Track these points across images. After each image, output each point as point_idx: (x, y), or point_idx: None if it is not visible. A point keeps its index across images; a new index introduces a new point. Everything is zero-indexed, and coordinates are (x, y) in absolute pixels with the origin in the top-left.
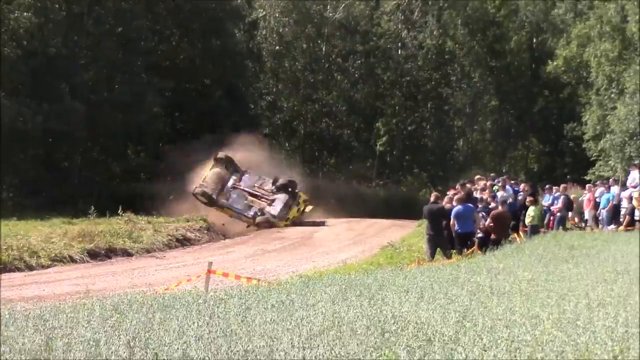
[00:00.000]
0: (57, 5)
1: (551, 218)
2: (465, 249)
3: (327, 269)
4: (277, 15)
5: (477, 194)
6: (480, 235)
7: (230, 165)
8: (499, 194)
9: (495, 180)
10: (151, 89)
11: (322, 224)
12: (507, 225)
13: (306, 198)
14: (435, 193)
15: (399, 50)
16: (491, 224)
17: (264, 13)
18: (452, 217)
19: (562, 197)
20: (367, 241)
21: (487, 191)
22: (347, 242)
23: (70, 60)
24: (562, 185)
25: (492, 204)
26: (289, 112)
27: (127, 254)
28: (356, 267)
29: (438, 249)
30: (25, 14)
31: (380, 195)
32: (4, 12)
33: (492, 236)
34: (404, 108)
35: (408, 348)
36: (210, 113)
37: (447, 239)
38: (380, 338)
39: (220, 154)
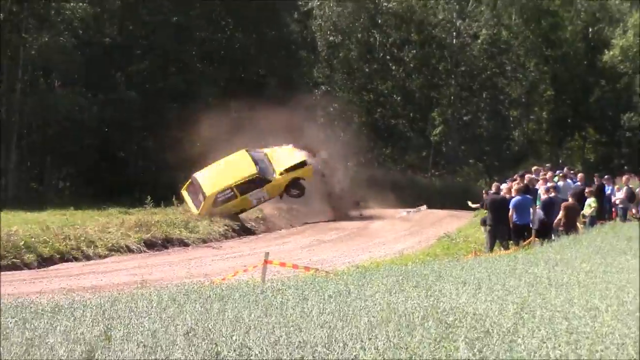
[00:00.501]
0: None
1: (613, 209)
2: (522, 240)
3: (383, 260)
4: (331, 4)
5: (537, 185)
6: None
7: None
8: (560, 184)
9: (557, 172)
10: (206, 79)
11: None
12: (576, 217)
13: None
14: (496, 183)
15: (454, 40)
16: (562, 216)
17: (319, 2)
18: (510, 207)
19: (625, 188)
20: (423, 232)
21: (547, 182)
22: (403, 232)
23: (126, 50)
24: (624, 177)
25: (552, 194)
26: (343, 102)
27: (183, 244)
28: (413, 257)
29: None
30: (80, 4)
31: (435, 186)
32: (59, 1)
33: (561, 228)
34: (459, 98)
35: (466, 340)
36: (266, 103)
37: (505, 230)
38: (438, 330)
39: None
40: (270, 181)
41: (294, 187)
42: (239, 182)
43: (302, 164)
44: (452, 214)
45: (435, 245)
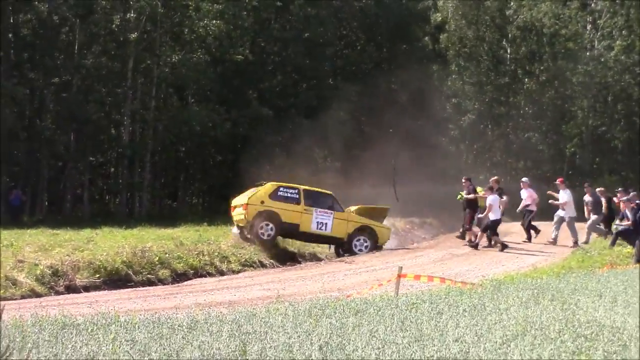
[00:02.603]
0: (244, 12)
1: None
2: None
3: (517, 273)
4: (457, 18)
5: None
6: None
7: None
8: None
9: None
10: (337, 94)
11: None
12: None
13: None
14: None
15: (587, 52)
16: None
17: (447, 15)
18: None
19: None
20: (557, 245)
21: None
22: (538, 245)
23: (258, 66)
24: None
25: None
26: (475, 115)
27: (316, 258)
28: (547, 271)
29: None
30: (213, 21)
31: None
32: (192, 19)
33: None
34: (593, 110)
35: (604, 353)
36: (397, 118)
37: None
38: (575, 343)
39: None
40: (341, 211)
41: (362, 235)
42: (309, 189)
43: (383, 212)
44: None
45: (569, 258)
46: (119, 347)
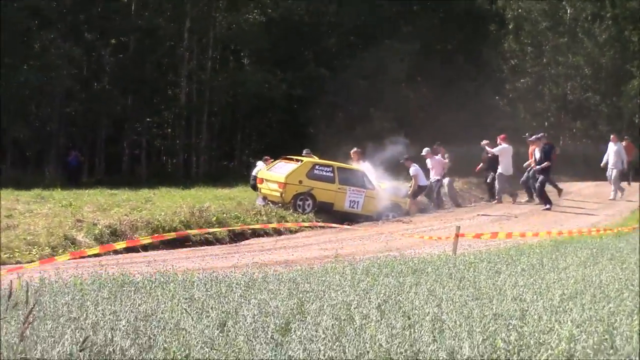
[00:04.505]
0: None
1: None
2: None
3: (576, 233)
4: None
5: None
6: None
7: None
8: None
9: None
10: (394, 55)
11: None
12: None
13: None
14: None
15: None
16: None
17: None
18: None
19: None
20: (616, 204)
21: None
22: (596, 205)
23: (314, 27)
24: None
25: None
26: (533, 76)
27: (373, 218)
28: (607, 230)
29: None
30: None
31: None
32: None
33: None
34: None
35: None
36: (454, 78)
37: None
38: (633, 301)
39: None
40: (372, 189)
41: (391, 211)
42: (343, 166)
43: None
44: None
45: (628, 217)
46: (177, 305)
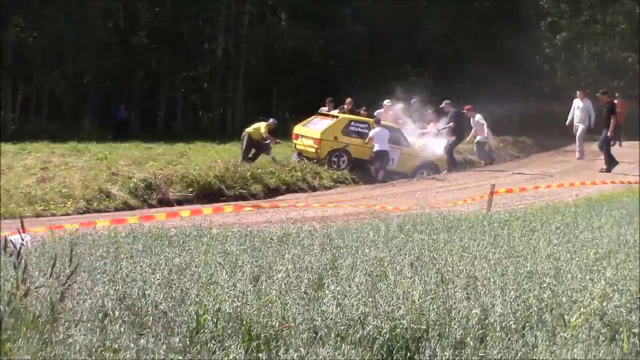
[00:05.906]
0: None
1: None
2: None
3: (612, 193)
4: None
5: None
6: None
7: None
8: None
9: None
10: (431, 13)
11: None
12: None
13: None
14: None
15: None
16: None
17: None
18: None
19: None
20: None
21: None
22: (635, 164)
23: None
24: None
25: None
26: (568, 34)
27: (406, 175)
28: None
29: None
30: None
31: None
32: None
33: None
34: None
35: None
36: (491, 35)
37: None
38: None
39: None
40: (407, 147)
41: (425, 169)
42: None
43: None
44: None
45: None
46: (211, 259)
